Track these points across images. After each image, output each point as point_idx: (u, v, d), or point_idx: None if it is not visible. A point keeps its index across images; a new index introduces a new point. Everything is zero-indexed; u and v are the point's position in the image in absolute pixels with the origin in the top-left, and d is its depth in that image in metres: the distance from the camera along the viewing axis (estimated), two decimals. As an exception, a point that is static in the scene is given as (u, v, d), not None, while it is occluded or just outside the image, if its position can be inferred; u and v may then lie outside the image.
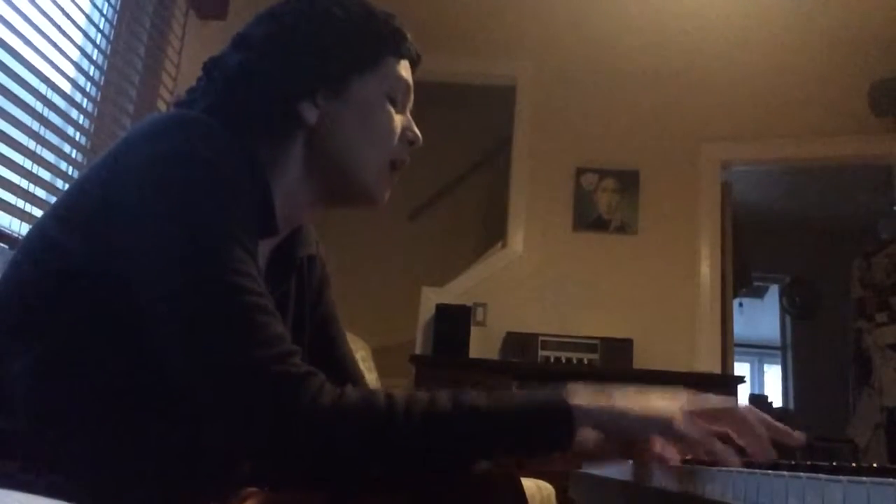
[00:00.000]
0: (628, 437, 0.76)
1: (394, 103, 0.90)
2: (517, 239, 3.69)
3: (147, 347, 0.70)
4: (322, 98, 0.85)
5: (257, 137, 0.81)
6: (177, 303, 0.68)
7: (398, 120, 0.91)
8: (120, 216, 0.71)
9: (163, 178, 0.71)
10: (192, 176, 0.71)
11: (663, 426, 0.74)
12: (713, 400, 0.78)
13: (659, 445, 0.79)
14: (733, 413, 0.77)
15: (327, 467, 0.68)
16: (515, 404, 0.72)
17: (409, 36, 0.93)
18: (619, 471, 0.98)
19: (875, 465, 0.54)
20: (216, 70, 0.86)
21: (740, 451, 0.75)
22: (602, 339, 3.33)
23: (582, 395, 0.74)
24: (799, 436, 0.76)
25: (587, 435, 0.72)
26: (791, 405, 6.13)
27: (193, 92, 0.87)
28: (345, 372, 0.98)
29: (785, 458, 0.72)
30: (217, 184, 0.72)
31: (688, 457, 0.81)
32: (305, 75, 0.85)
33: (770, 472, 0.55)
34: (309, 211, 0.91)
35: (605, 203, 3.68)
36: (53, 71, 1.90)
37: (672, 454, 0.79)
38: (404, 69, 0.92)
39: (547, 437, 0.72)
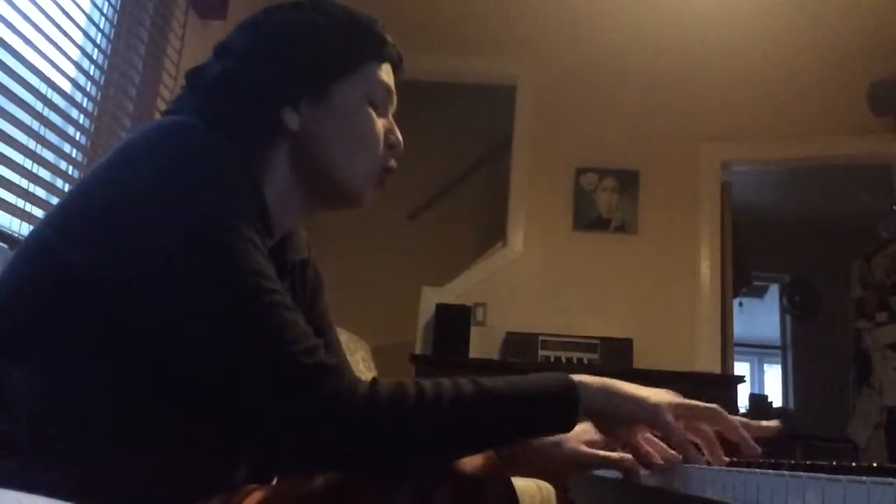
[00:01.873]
0: (619, 417, 0.81)
1: (375, 107, 0.91)
2: (517, 239, 3.69)
3: (149, 351, 0.71)
4: (304, 104, 0.86)
5: (242, 143, 0.81)
6: (203, 309, 0.69)
7: (380, 123, 0.92)
8: (129, 224, 0.71)
9: (173, 185, 0.72)
10: (202, 181, 0.72)
11: (651, 412, 0.80)
12: (697, 403, 0.84)
13: (644, 444, 0.86)
14: (717, 413, 0.82)
15: (363, 455, 0.70)
16: (529, 386, 0.77)
17: (389, 39, 0.93)
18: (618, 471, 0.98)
19: (875, 464, 0.54)
20: (198, 79, 0.87)
21: (732, 450, 0.81)
22: (602, 338, 3.33)
23: (582, 376, 0.80)
24: (772, 423, 0.83)
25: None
26: (791, 405, 6.13)
27: (178, 102, 0.88)
28: None
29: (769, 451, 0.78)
30: (226, 188, 0.73)
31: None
32: (286, 82, 0.85)
33: (770, 471, 0.55)
34: (297, 216, 0.93)
35: (605, 203, 3.68)
36: (54, 70, 1.91)
37: (655, 456, 0.86)
38: (385, 73, 0.93)
39: (557, 415, 0.78)
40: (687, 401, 0.83)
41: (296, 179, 0.88)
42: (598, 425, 0.86)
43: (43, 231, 0.76)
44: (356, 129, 0.89)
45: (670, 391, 0.83)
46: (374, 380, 0.71)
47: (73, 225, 0.74)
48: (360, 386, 0.70)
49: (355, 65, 0.89)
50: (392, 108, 0.95)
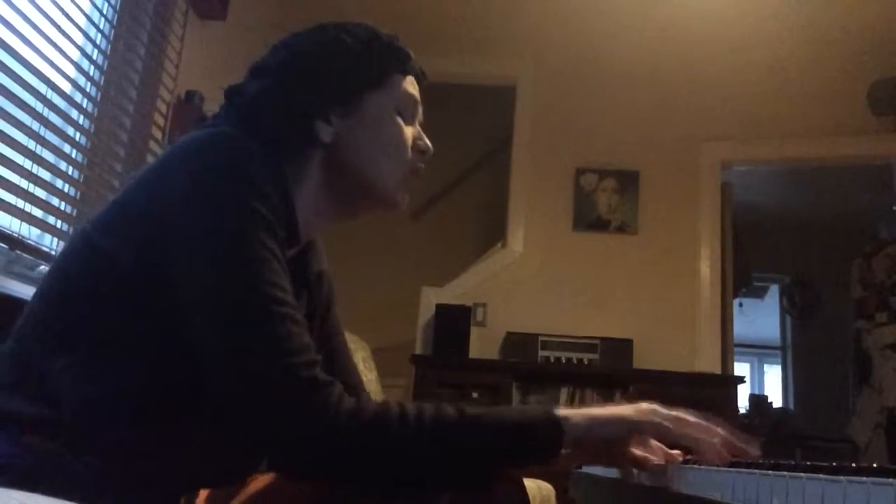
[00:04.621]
0: (607, 441, 0.82)
1: (403, 116, 0.96)
2: (517, 239, 3.69)
3: (182, 349, 0.74)
4: (335, 117, 0.92)
5: (277, 155, 0.86)
6: (216, 310, 0.73)
7: (408, 131, 0.97)
8: (165, 226, 0.76)
9: (207, 191, 0.76)
10: (234, 190, 0.76)
11: (638, 421, 0.81)
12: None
13: (639, 452, 0.86)
14: (692, 421, 0.82)
15: (344, 471, 0.72)
16: (513, 415, 0.78)
17: (412, 54, 0.99)
18: (618, 471, 0.98)
19: (875, 465, 0.54)
20: (236, 97, 0.93)
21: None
22: (602, 339, 3.33)
23: (565, 410, 0.80)
24: (754, 451, 0.82)
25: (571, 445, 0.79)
26: (791, 405, 6.14)
27: (216, 118, 0.94)
28: (348, 386, 1.00)
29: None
30: (257, 198, 0.77)
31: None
32: (317, 96, 0.91)
33: (770, 472, 0.55)
34: (325, 224, 0.97)
35: (605, 203, 3.68)
36: (53, 71, 1.91)
37: (650, 459, 0.86)
38: (410, 84, 0.98)
39: (540, 446, 0.78)
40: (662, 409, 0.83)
41: (327, 188, 0.93)
42: (588, 454, 0.87)
43: (88, 232, 0.81)
44: (386, 136, 0.94)
45: (645, 403, 0.83)
46: (360, 399, 0.73)
47: (118, 226, 0.79)
48: (346, 404, 0.71)
49: (381, 77, 0.95)
50: (419, 118, 1.01)
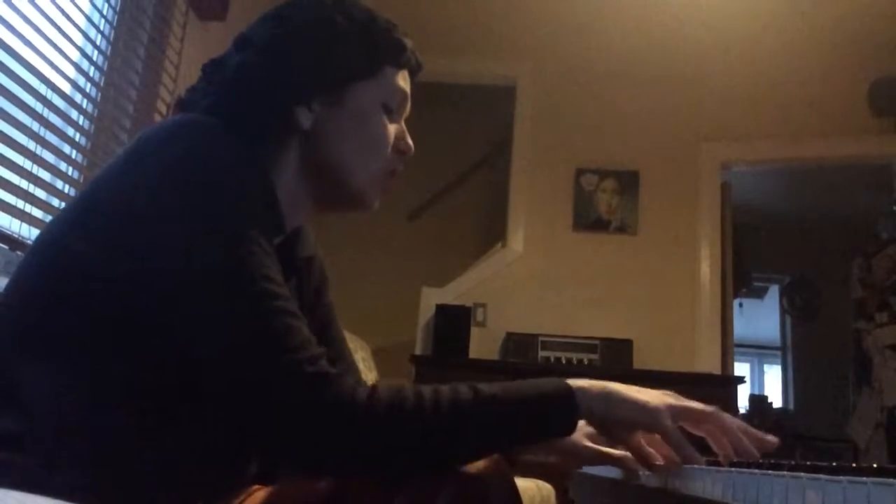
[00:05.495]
0: (619, 422, 0.80)
1: (389, 112, 0.91)
2: (517, 239, 3.69)
3: (166, 352, 0.71)
4: (318, 103, 0.86)
5: (254, 139, 0.81)
6: (210, 310, 0.69)
7: (392, 129, 0.92)
8: (141, 223, 0.71)
9: (185, 183, 0.71)
10: (212, 181, 0.72)
11: (651, 416, 0.79)
12: (696, 405, 0.82)
13: (645, 444, 0.85)
14: (715, 417, 0.81)
15: (365, 461, 0.70)
16: (527, 391, 0.76)
17: (409, 45, 0.93)
18: (618, 471, 0.98)
19: (875, 465, 0.54)
20: (216, 71, 0.87)
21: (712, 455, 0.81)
22: (602, 339, 3.33)
23: (581, 381, 0.79)
24: (772, 439, 0.81)
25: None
26: (791, 405, 6.14)
27: (194, 92, 0.88)
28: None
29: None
30: (236, 188, 0.73)
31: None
32: (302, 80, 0.85)
33: (770, 472, 0.55)
34: (306, 213, 0.92)
35: (605, 203, 3.68)
36: (53, 72, 1.91)
37: (656, 455, 0.85)
38: (402, 79, 0.93)
39: (555, 420, 0.77)
40: (686, 403, 0.81)
41: (304, 176, 0.88)
42: (598, 429, 0.86)
43: (56, 229, 0.76)
44: (367, 132, 0.89)
45: (670, 392, 0.82)
46: (374, 386, 0.71)
47: (88, 222, 0.74)
48: (359, 393, 0.69)
49: (373, 68, 0.89)
50: (406, 114, 0.95)
